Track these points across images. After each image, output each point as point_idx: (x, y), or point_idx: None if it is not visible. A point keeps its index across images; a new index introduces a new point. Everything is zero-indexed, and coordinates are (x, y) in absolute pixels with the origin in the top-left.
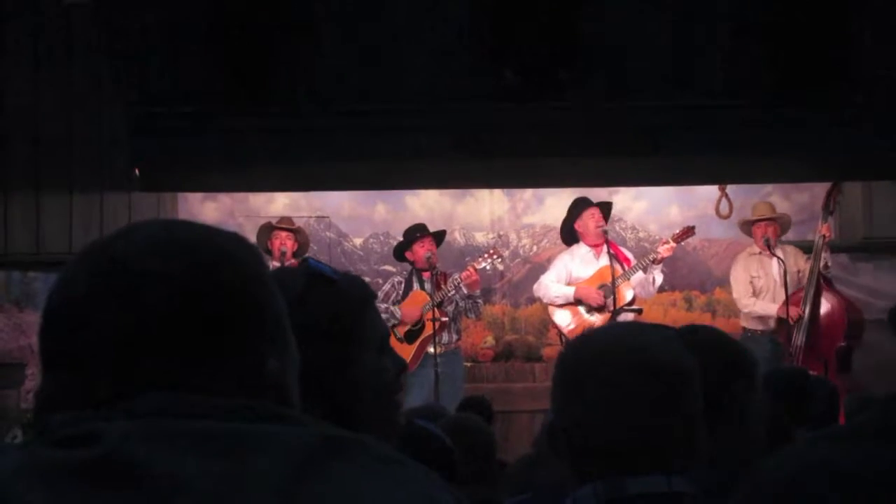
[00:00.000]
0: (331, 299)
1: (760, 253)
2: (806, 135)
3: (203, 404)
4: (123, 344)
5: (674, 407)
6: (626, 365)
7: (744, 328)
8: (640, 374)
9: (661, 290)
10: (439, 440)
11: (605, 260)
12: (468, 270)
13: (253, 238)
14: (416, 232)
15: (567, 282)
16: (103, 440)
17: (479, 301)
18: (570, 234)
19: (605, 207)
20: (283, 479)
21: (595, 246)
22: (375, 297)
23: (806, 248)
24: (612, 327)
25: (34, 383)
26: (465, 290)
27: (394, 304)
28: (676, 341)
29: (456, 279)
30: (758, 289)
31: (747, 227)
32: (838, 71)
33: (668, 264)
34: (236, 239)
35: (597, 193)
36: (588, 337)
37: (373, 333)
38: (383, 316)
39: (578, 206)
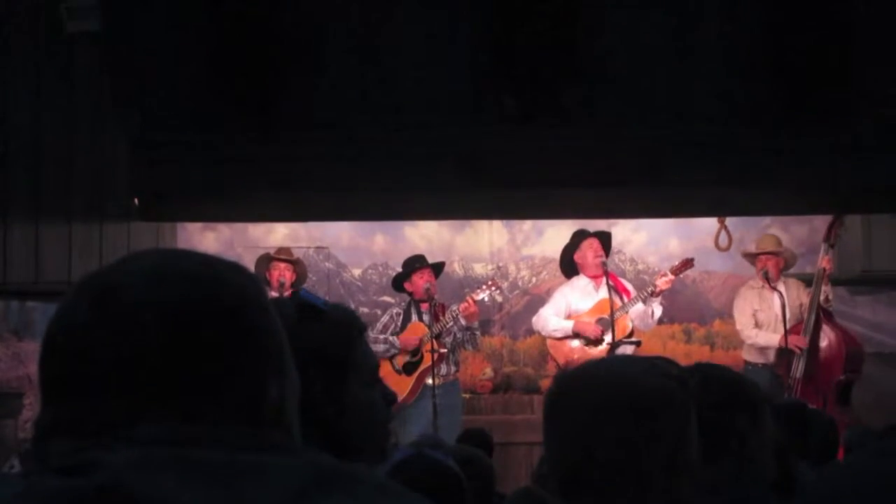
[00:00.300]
0: (321, 330)
1: (762, 286)
2: (806, 167)
3: (202, 434)
4: (123, 373)
5: (654, 438)
6: (600, 397)
7: (745, 361)
8: (615, 407)
9: (660, 322)
10: (451, 471)
11: (604, 292)
12: (466, 302)
13: (251, 269)
14: (415, 263)
15: (566, 314)
16: (102, 469)
17: (477, 332)
18: (569, 266)
19: (605, 238)
20: None
21: (594, 277)
22: (366, 328)
23: (806, 280)
24: (592, 361)
25: (32, 413)
26: (463, 322)
27: (392, 335)
28: (658, 372)
29: (454, 311)
30: (760, 322)
31: (751, 259)
32: (839, 102)
33: (667, 297)
34: (235, 268)
35: (596, 225)
36: (568, 372)
37: (364, 364)
38: (381, 346)
39: (577, 238)
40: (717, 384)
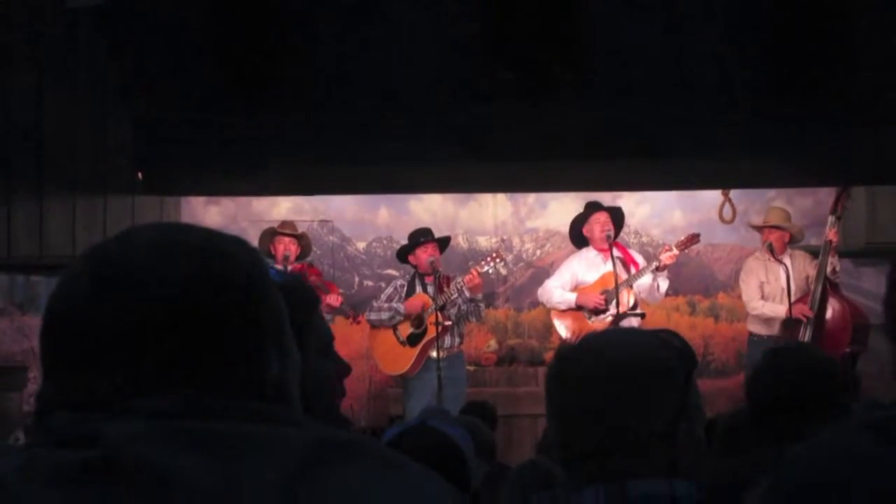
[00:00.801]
0: None
1: (768, 258)
2: (810, 139)
3: (205, 405)
4: (125, 346)
5: (652, 407)
6: (596, 367)
7: (750, 332)
8: (610, 376)
9: (665, 294)
10: (453, 442)
11: (612, 264)
12: (471, 274)
13: (256, 242)
14: (420, 237)
15: (572, 286)
16: (105, 441)
17: (481, 304)
18: (578, 238)
19: (616, 213)
20: (282, 481)
21: (602, 250)
22: (320, 300)
23: (811, 252)
24: (593, 333)
25: (36, 386)
26: (467, 294)
27: (397, 303)
28: (658, 343)
29: (459, 282)
30: (766, 294)
31: (757, 230)
32: (841, 74)
33: (672, 269)
34: (237, 241)
35: (600, 198)
36: (569, 344)
37: (316, 336)
38: (386, 314)
39: (587, 210)
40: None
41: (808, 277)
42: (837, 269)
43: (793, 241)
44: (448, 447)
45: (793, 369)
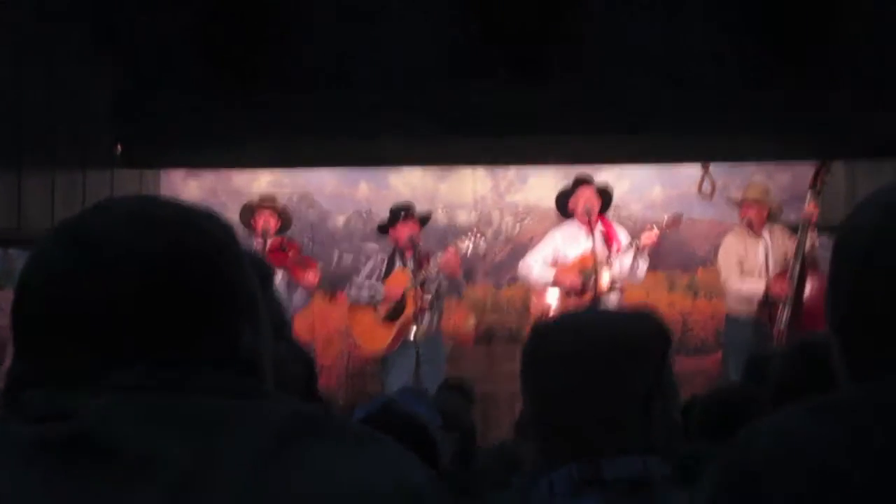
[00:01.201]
0: None
1: (747, 234)
2: (788, 114)
3: (180, 380)
4: (98, 320)
5: (626, 383)
6: (572, 345)
7: (728, 311)
8: (585, 354)
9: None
10: (419, 422)
11: (593, 239)
12: (447, 255)
13: (235, 216)
14: (401, 212)
15: (554, 259)
16: (80, 416)
17: (462, 283)
18: (564, 209)
19: (605, 193)
20: (258, 456)
21: (585, 223)
22: (273, 274)
23: (791, 228)
24: (570, 312)
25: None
26: (446, 274)
27: (377, 280)
28: (634, 319)
29: (439, 258)
30: (745, 270)
31: (736, 205)
32: (822, 49)
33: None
34: (210, 216)
35: (580, 171)
36: (544, 322)
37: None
38: (366, 292)
39: (574, 184)
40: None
41: (786, 254)
42: (816, 245)
43: (771, 217)
44: (414, 426)
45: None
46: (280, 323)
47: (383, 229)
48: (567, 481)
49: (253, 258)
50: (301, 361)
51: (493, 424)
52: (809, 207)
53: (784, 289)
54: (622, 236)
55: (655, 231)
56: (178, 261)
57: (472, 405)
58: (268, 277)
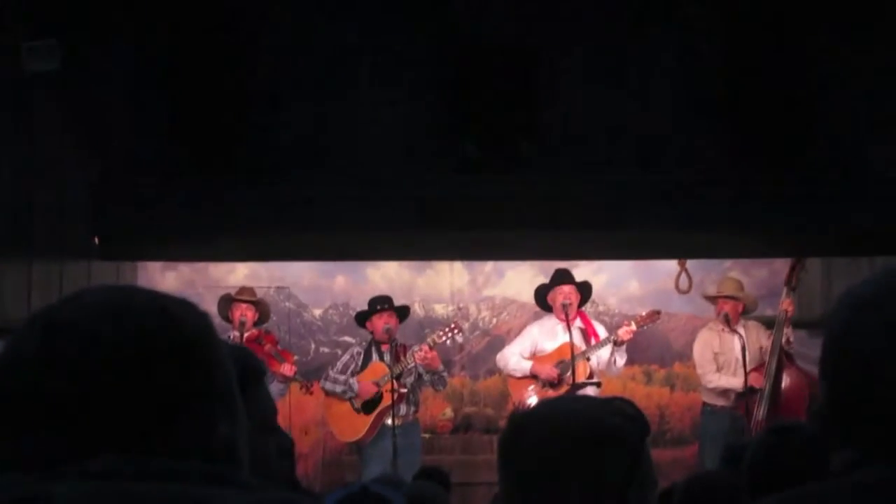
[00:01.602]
0: None
1: (722, 329)
2: (765, 211)
3: (153, 467)
4: (73, 407)
5: (603, 473)
6: (550, 434)
7: (704, 402)
8: (561, 443)
9: (622, 368)
10: None
11: (570, 334)
12: (422, 350)
13: (213, 308)
14: (378, 304)
15: (532, 352)
16: (53, 502)
17: (444, 374)
18: (543, 303)
19: (584, 287)
20: None
21: (563, 319)
22: (265, 372)
23: (766, 322)
24: (546, 400)
25: None
26: (425, 368)
27: (352, 374)
28: (610, 409)
29: (415, 350)
30: (720, 364)
31: (712, 301)
32: (798, 149)
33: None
34: (186, 305)
35: (558, 266)
36: (520, 412)
37: (260, 409)
38: (340, 387)
39: (554, 279)
40: None
41: (761, 348)
42: (791, 339)
43: (746, 312)
44: None
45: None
46: (272, 418)
47: (360, 319)
48: None
49: (246, 354)
50: (288, 454)
51: None
52: (785, 303)
53: (758, 380)
54: (600, 330)
55: (633, 326)
56: (154, 350)
57: (449, 493)
58: (261, 375)
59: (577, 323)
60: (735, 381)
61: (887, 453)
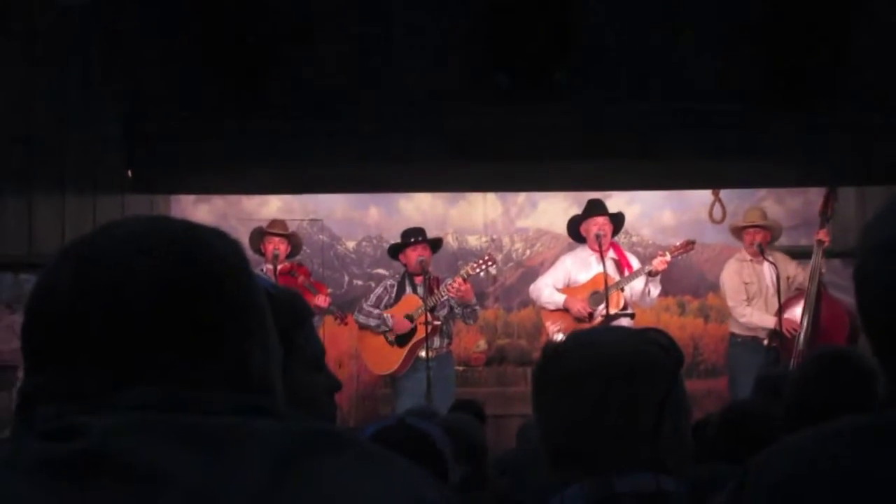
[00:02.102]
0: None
1: (751, 259)
2: (799, 139)
3: (189, 398)
4: (109, 338)
5: (634, 402)
6: (582, 364)
7: (732, 333)
8: (595, 373)
9: (656, 299)
10: (430, 439)
11: (604, 265)
12: (456, 282)
13: (245, 241)
14: (412, 236)
15: (565, 283)
16: (89, 434)
17: (477, 308)
18: (576, 235)
19: (617, 218)
20: (268, 473)
21: (596, 250)
22: (313, 314)
23: (800, 253)
24: (579, 331)
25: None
26: (458, 300)
27: (386, 307)
28: (642, 339)
29: (449, 283)
30: (751, 294)
31: (738, 232)
32: (832, 76)
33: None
34: (218, 234)
35: (591, 196)
36: (554, 342)
37: (307, 349)
38: (374, 321)
39: (587, 210)
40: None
41: (788, 278)
42: (824, 270)
43: (773, 240)
44: (425, 444)
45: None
46: (321, 357)
47: (393, 252)
48: (579, 499)
49: (294, 296)
50: (332, 393)
51: (505, 446)
52: (821, 233)
53: (794, 327)
54: (633, 262)
55: (667, 257)
56: (186, 279)
57: (483, 425)
58: (308, 315)
59: (611, 254)
60: (767, 319)
61: None
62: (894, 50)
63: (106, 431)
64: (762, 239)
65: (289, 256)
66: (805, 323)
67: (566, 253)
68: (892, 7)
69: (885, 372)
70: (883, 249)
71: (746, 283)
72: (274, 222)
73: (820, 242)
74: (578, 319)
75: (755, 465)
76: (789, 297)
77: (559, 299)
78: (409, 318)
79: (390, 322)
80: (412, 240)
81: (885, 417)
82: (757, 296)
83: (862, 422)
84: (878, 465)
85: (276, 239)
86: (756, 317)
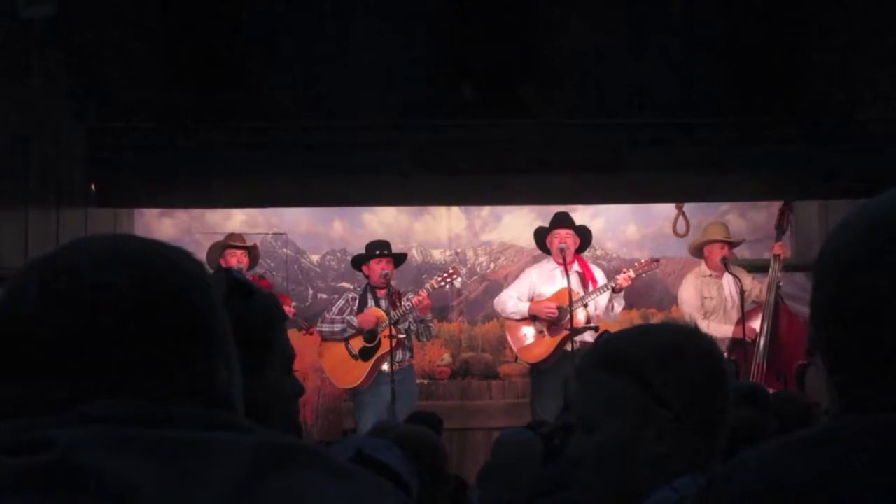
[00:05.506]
0: (248, 310)
1: (711, 274)
2: (762, 153)
3: (155, 411)
4: (73, 353)
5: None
6: (592, 362)
7: None
8: (600, 370)
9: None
10: (392, 470)
11: (568, 279)
12: (420, 295)
13: (205, 255)
14: (377, 249)
15: (530, 296)
16: (54, 446)
17: (431, 325)
18: (543, 246)
19: (583, 232)
20: (237, 487)
21: (561, 264)
22: (287, 317)
23: (759, 266)
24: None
25: None
26: (416, 314)
27: (349, 315)
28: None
29: (410, 298)
30: (709, 310)
31: (698, 250)
32: (794, 90)
33: None
34: (182, 252)
35: (556, 210)
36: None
37: (280, 351)
38: (339, 326)
39: (553, 223)
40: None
41: (744, 292)
42: (781, 283)
43: (731, 252)
44: (387, 476)
45: None
46: (291, 361)
47: (356, 262)
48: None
49: (270, 299)
50: (298, 398)
51: (468, 460)
52: (777, 247)
53: (754, 329)
54: (598, 275)
55: (631, 274)
56: (152, 294)
57: (440, 436)
58: (284, 319)
59: (575, 267)
60: (724, 329)
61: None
62: (854, 64)
63: (72, 444)
64: (727, 253)
65: (249, 269)
66: (763, 336)
67: (531, 266)
68: (848, 22)
69: (835, 388)
70: (837, 269)
71: (705, 299)
72: (232, 235)
73: (776, 256)
74: (547, 328)
75: (719, 477)
76: (748, 311)
77: (524, 308)
78: (373, 332)
79: (356, 323)
80: (377, 252)
81: (846, 425)
82: (716, 310)
83: (825, 432)
84: (840, 475)
85: (239, 252)
86: (713, 328)
